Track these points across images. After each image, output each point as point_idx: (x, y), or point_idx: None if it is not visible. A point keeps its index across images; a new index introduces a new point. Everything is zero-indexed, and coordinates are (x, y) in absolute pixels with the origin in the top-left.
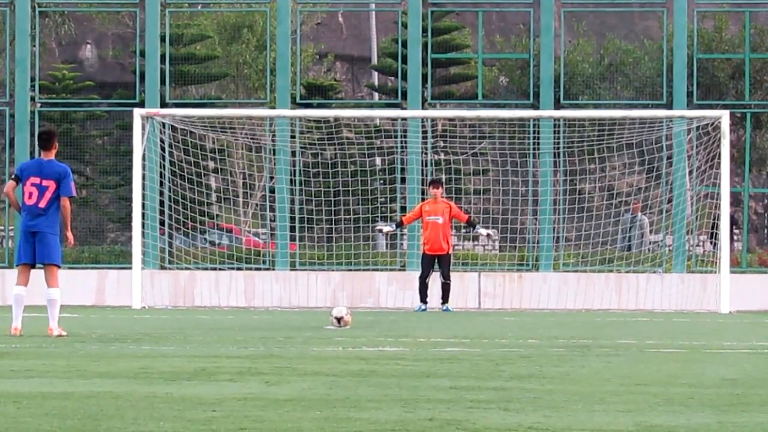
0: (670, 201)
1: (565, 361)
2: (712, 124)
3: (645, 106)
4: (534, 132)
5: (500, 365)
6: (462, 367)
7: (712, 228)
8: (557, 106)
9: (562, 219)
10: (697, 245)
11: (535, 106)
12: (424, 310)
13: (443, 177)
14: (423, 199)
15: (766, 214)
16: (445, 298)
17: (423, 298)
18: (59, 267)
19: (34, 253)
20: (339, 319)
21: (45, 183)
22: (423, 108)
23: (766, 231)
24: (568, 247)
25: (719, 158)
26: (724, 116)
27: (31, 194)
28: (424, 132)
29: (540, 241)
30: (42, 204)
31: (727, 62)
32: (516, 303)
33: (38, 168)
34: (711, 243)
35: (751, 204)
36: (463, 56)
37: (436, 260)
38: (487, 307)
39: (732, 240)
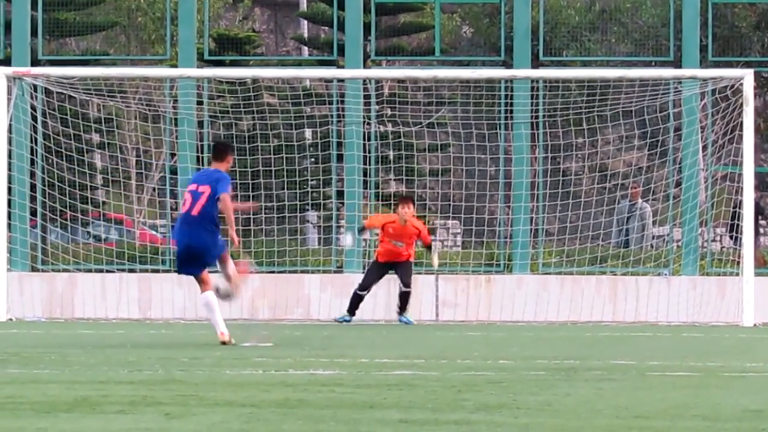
0: (678, 184)
1: (546, 388)
2: (732, 86)
3: (647, 64)
4: (506, 97)
5: (463, 393)
6: (415, 396)
7: (732, 218)
8: (535, 63)
9: (541, 207)
10: (714, 240)
11: (508, 64)
12: (348, 321)
13: (391, 153)
14: (395, 206)
15: None
16: (402, 307)
17: (352, 309)
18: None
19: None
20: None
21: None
22: (365, 67)
23: None
24: (550, 242)
25: (741, 130)
26: (747, 77)
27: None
28: (367, 97)
29: (514, 235)
30: (194, 212)
31: (750, 8)
32: (483, 314)
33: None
34: (730, 237)
35: None
36: (417, 0)
37: (389, 270)
38: (446, 318)
39: (757, 234)
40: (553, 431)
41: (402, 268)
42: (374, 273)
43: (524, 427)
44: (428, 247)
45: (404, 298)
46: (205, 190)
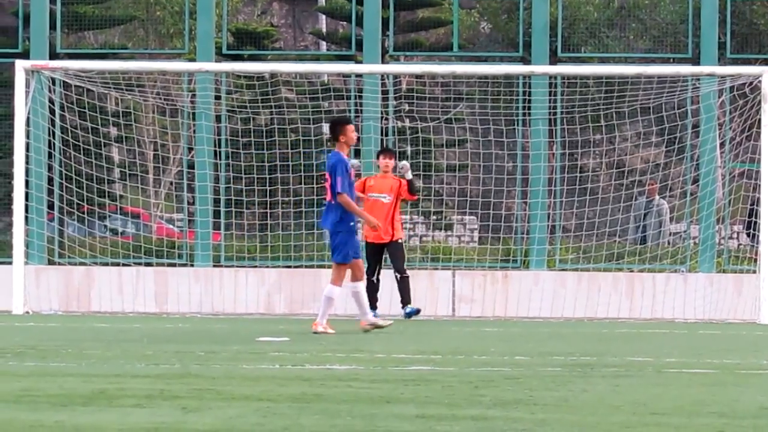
0: (695, 181)
1: (563, 384)
2: (751, 83)
3: (665, 61)
4: (524, 93)
5: (480, 388)
6: (432, 391)
7: (750, 216)
8: (553, 60)
9: (558, 203)
10: (731, 237)
11: (526, 60)
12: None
13: (408, 149)
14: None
15: None
16: (404, 298)
17: (371, 302)
18: (340, 264)
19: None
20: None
21: (327, 176)
22: (383, 62)
23: None
24: (567, 238)
25: (759, 127)
26: (765, 74)
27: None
28: (385, 92)
29: (531, 231)
30: (328, 198)
31: None
32: (500, 310)
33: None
34: (748, 234)
35: None
36: None
37: (383, 251)
38: (463, 314)
39: None
40: (569, 427)
41: (392, 250)
42: (371, 255)
43: (541, 423)
44: (410, 186)
45: (403, 287)
46: (329, 178)
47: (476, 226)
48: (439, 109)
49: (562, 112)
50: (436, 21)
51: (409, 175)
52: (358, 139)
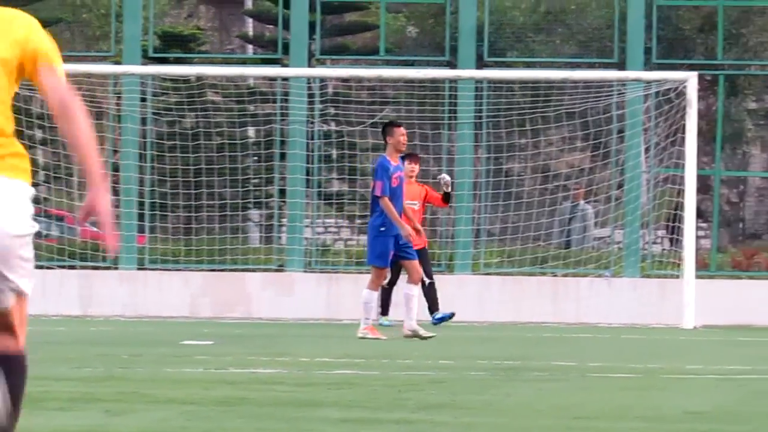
0: (620, 186)
1: (487, 388)
2: (676, 89)
3: (591, 66)
4: (450, 97)
5: (404, 392)
6: (356, 395)
7: (673, 221)
8: (480, 64)
9: (484, 207)
10: (655, 242)
11: (452, 64)
12: (389, 324)
13: (334, 153)
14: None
15: (741, 204)
16: (433, 305)
17: (384, 309)
18: (376, 267)
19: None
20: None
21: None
22: (309, 65)
23: (741, 225)
24: (492, 242)
25: (684, 133)
26: (691, 79)
27: None
28: (311, 96)
29: (456, 235)
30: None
31: (695, 11)
32: (424, 313)
33: None
34: (670, 240)
35: (722, 191)
36: None
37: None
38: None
39: (698, 236)
40: (493, 431)
41: (421, 256)
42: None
43: (465, 427)
44: (446, 196)
45: (432, 293)
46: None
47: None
48: (366, 113)
49: (488, 117)
50: (363, 25)
51: (448, 189)
52: (282, 142)
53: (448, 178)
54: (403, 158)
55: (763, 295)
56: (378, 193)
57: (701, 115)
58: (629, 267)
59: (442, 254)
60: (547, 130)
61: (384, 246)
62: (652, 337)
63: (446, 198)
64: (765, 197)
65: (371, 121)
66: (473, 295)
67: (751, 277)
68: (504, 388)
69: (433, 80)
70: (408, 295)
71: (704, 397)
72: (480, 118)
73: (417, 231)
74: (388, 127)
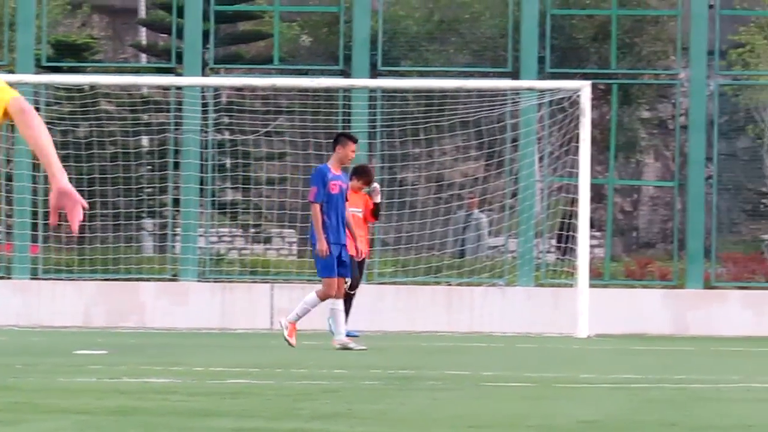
0: (514, 195)
1: (382, 397)
2: (569, 98)
3: (485, 75)
4: (344, 106)
5: (298, 401)
6: (250, 404)
7: (567, 230)
8: (374, 73)
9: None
10: (549, 251)
11: (346, 74)
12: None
13: (228, 162)
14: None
15: (635, 213)
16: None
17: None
18: (324, 278)
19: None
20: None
21: None
22: (203, 74)
23: (635, 234)
24: (385, 252)
25: (577, 141)
26: (585, 88)
27: None
28: (205, 105)
29: None
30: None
31: (588, 20)
32: (318, 323)
33: None
34: (558, 249)
35: (616, 200)
36: (256, 8)
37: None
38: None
39: (592, 245)
40: None
41: (361, 267)
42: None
43: None
44: (376, 208)
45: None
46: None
47: (295, 239)
48: (260, 123)
49: (382, 126)
50: (256, 34)
51: (378, 198)
52: (176, 151)
53: (378, 187)
54: (355, 173)
55: (656, 304)
56: (311, 198)
57: (595, 124)
58: (523, 276)
59: None
60: (441, 140)
61: (329, 256)
62: (546, 345)
63: (376, 211)
64: (658, 206)
65: (265, 130)
66: (367, 305)
67: (644, 286)
68: (398, 398)
69: (327, 89)
70: (333, 309)
71: (597, 406)
72: (374, 127)
73: (354, 238)
74: (342, 137)
